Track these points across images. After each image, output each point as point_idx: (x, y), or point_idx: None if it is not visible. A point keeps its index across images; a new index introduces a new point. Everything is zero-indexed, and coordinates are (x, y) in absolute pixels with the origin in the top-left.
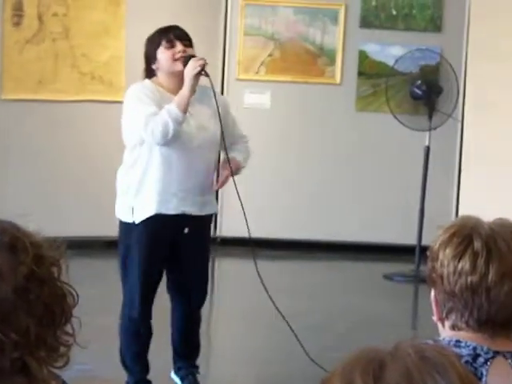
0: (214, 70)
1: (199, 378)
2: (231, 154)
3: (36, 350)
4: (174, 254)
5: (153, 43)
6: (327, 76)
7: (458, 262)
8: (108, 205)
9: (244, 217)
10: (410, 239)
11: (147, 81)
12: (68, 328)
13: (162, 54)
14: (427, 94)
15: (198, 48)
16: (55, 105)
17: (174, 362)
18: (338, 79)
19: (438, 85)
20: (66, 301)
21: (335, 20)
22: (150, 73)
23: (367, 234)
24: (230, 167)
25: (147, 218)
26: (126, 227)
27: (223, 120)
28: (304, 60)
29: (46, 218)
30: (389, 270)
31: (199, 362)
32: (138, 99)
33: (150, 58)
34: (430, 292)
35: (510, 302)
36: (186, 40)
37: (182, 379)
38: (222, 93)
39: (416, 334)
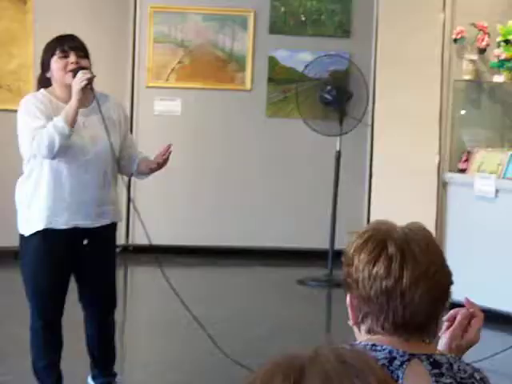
0: (123, 77)
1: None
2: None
3: None
4: (78, 265)
5: (48, 52)
6: (237, 82)
7: (373, 266)
8: (14, 215)
9: (142, 225)
10: (323, 244)
11: (42, 91)
12: None
13: (55, 64)
14: (337, 99)
15: (108, 57)
16: None
17: (92, 369)
18: (248, 85)
19: (348, 90)
20: None
21: (244, 26)
22: (46, 81)
23: (280, 240)
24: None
25: (37, 232)
26: (21, 239)
27: (123, 132)
28: (214, 66)
29: None
30: (302, 275)
31: (115, 369)
32: (27, 112)
33: (44, 67)
34: (345, 296)
35: (425, 305)
36: (81, 51)
37: None
38: (132, 100)
39: (330, 339)
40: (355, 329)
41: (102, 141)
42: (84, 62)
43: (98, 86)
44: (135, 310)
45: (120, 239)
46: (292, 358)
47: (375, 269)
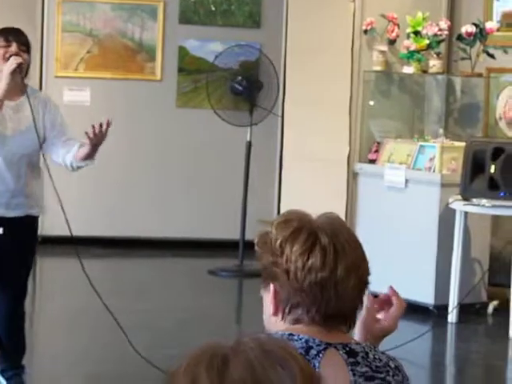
0: (32, 67)
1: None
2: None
3: None
4: None
5: None
6: (147, 72)
7: (308, 258)
8: None
9: (64, 215)
10: (234, 234)
11: None
12: None
13: None
14: (247, 89)
15: None
16: None
17: (0, 363)
18: (158, 75)
19: (258, 80)
20: None
21: (154, 16)
22: None
23: (191, 230)
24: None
25: None
26: None
27: (49, 125)
28: (123, 56)
29: None
30: (213, 266)
31: (24, 361)
32: None
33: None
34: (257, 286)
35: (353, 296)
36: (24, 45)
37: (7, 380)
38: (41, 90)
39: (241, 329)
40: (272, 319)
41: (24, 134)
42: (24, 56)
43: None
44: (45, 301)
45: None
46: (215, 348)
47: (310, 260)
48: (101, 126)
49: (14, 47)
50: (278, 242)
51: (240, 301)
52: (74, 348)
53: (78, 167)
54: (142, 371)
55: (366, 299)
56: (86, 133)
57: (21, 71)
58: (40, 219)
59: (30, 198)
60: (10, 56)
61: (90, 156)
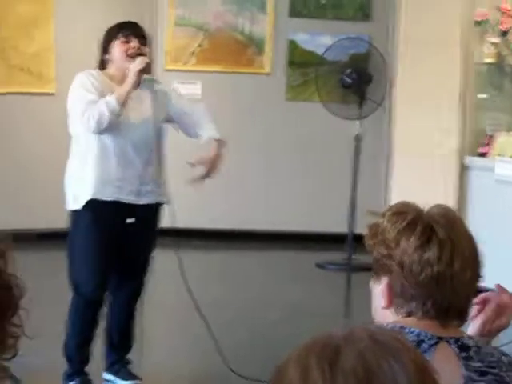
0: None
1: (132, 367)
2: (203, 132)
3: None
4: (119, 242)
5: (110, 35)
6: (257, 66)
7: (424, 251)
8: (33, 199)
9: (171, 208)
10: (342, 228)
11: (96, 70)
12: (15, 320)
13: (117, 47)
14: (357, 82)
15: None
16: None
17: (107, 358)
18: (267, 69)
19: (368, 73)
20: (13, 293)
21: (264, 9)
22: (102, 64)
23: (299, 223)
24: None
25: (87, 203)
26: (71, 216)
27: (169, 110)
28: (233, 50)
29: None
30: (321, 259)
31: (133, 351)
32: (81, 85)
33: (103, 49)
34: (364, 280)
35: (470, 289)
36: (143, 38)
37: (116, 373)
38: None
39: (349, 323)
40: (382, 311)
41: (149, 121)
42: (144, 49)
43: None
44: (153, 293)
45: None
46: (326, 339)
47: (427, 254)
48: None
49: (134, 42)
50: (393, 234)
51: (348, 295)
52: (183, 339)
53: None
54: (244, 363)
55: (485, 295)
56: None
57: (146, 70)
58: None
59: (158, 185)
60: (133, 53)
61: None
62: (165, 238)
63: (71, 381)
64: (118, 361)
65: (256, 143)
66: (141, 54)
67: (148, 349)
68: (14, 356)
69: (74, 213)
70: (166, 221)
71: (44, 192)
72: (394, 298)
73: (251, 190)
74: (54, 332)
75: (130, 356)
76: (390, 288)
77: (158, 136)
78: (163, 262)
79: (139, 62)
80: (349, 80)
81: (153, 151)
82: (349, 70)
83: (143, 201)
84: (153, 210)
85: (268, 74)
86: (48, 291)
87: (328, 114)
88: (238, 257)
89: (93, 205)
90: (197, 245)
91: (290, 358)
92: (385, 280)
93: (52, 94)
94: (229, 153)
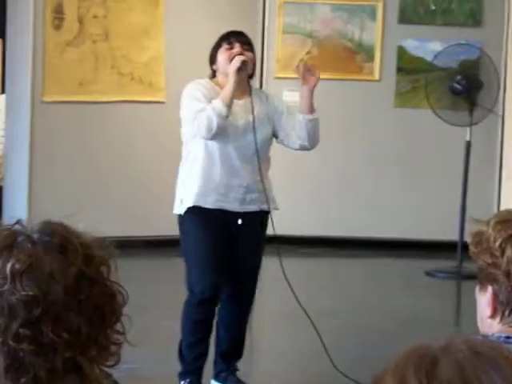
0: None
1: (241, 374)
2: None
3: (87, 349)
4: (226, 246)
5: (216, 44)
6: (366, 72)
7: None
8: (142, 205)
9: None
10: (452, 235)
11: (205, 79)
12: (118, 327)
13: (221, 55)
14: (467, 88)
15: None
16: (95, 106)
17: (215, 367)
18: (376, 75)
19: (479, 79)
20: (116, 300)
21: (373, 16)
22: (213, 74)
23: (408, 231)
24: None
25: (188, 210)
26: (178, 219)
27: (276, 114)
28: (342, 57)
29: (89, 217)
30: (431, 267)
31: (243, 358)
32: (190, 95)
33: (211, 59)
34: (475, 288)
35: None
36: (247, 44)
37: (224, 381)
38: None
39: (459, 332)
40: (488, 321)
41: (256, 129)
42: (249, 54)
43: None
44: (262, 300)
45: None
46: (424, 349)
47: None
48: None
49: (237, 47)
50: (498, 242)
51: (458, 303)
52: (291, 346)
53: (310, 132)
54: (356, 370)
55: None
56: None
57: (246, 68)
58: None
59: (263, 192)
60: (234, 55)
61: (309, 105)
62: (269, 245)
63: (183, 379)
64: (226, 369)
65: (365, 150)
66: (239, 55)
67: (257, 356)
68: (116, 363)
69: (179, 217)
70: (269, 228)
71: (152, 199)
72: (500, 307)
73: (359, 197)
74: (163, 338)
75: (239, 364)
76: (495, 297)
77: (265, 143)
78: (271, 270)
79: (236, 61)
80: (459, 87)
81: (259, 159)
82: (459, 77)
83: (247, 209)
84: (258, 216)
85: (377, 81)
86: (155, 297)
87: (437, 120)
88: (346, 265)
89: (196, 210)
90: (304, 252)
91: (387, 368)
92: (490, 289)
93: (162, 103)
94: (337, 160)
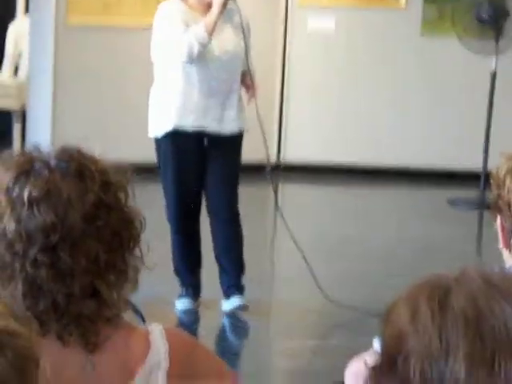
0: None
1: (259, 303)
2: None
3: (105, 274)
4: (205, 172)
5: None
6: (392, 0)
7: None
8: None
9: (264, 141)
10: (476, 165)
11: (177, 0)
12: (136, 252)
13: None
14: (494, 17)
15: None
16: (119, 31)
17: (222, 286)
18: (402, 3)
19: (506, 8)
20: (134, 225)
21: None
22: None
23: (432, 160)
24: (252, 82)
25: (166, 135)
26: (156, 143)
27: (247, 40)
28: None
29: (108, 144)
30: (453, 196)
31: (263, 285)
32: (167, 19)
33: None
34: (495, 219)
35: None
36: None
37: (228, 297)
38: (286, 19)
39: (480, 262)
40: (504, 252)
41: (230, 49)
42: None
43: (251, 5)
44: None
45: (272, 156)
46: (437, 279)
47: None
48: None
49: None
50: (502, 174)
51: (480, 233)
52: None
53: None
54: (377, 298)
55: None
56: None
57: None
58: (277, 145)
59: (239, 111)
60: None
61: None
62: (294, 173)
63: (181, 289)
64: (232, 286)
65: (389, 79)
66: None
67: (276, 285)
68: (134, 288)
69: (157, 141)
70: (306, 156)
71: None
72: (508, 236)
73: (384, 126)
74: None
75: (258, 292)
76: (503, 228)
77: (239, 61)
78: (291, 197)
79: None
80: (485, 15)
81: (236, 81)
82: (485, 5)
83: (226, 129)
84: (234, 138)
85: (403, 9)
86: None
87: (464, 49)
88: (367, 193)
89: (174, 136)
90: (326, 180)
91: (400, 298)
92: (498, 219)
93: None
94: (362, 90)
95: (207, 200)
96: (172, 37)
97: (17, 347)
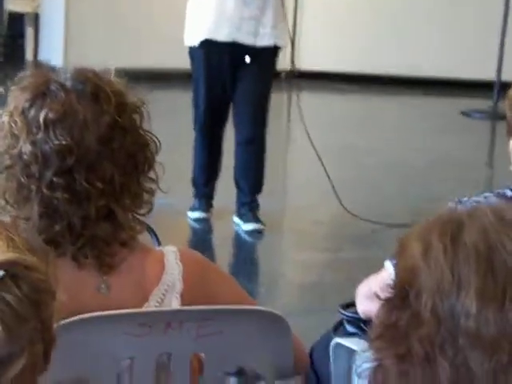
0: None
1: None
2: None
3: (121, 197)
4: (236, 83)
5: None
6: None
7: None
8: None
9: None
10: (489, 75)
11: None
12: (151, 174)
13: None
14: None
15: None
16: None
17: (236, 202)
18: None
19: None
20: (149, 148)
21: None
22: None
23: (445, 69)
24: None
25: (200, 44)
26: (189, 51)
27: None
28: None
29: (125, 51)
30: (466, 107)
31: (275, 194)
32: None
33: None
34: (507, 141)
35: None
36: None
37: (241, 216)
38: None
39: (492, 173)
40: None
41: None
42: None
43: None
44: (298, 139)
45: (285, 64)
46: (450, 214)
47: None
48: None
49: None
50: (510, 92)
51: (492, 143)
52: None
53: None
54: (385, 210)
55: None
56: None
57: None
58: (291, 53)
59: (276, 28)
60: None
61: None
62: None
63: (194, 199)
64: (245, 204)
65: None
66: None
67: (283, 191)
68: (149, 211)
69: (191, 49)
70: (319, 63)
71: None
72: None
73: (397, 34)
74: None
75: (266, 198)
76: None
77: None
78: (305, 105)
79: None
80: None
81: None
82: None
83: (261, 42)
84: (269, 52)
85: None
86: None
87: None
88: (379, 102)
89: (207, 45)
90: (338, 88)
91: (412, 232)
92: (510, 143)
93: None
94: None
95: (234, 115)
96: None
97: (32, 280)
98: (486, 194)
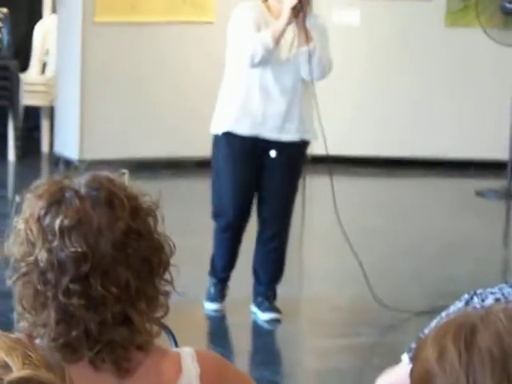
0: None
1: (287, 298)
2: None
3: (137, 301)
4: (261, 177)
5: None
6: None
7: None
8: (195, 126)
9: (322, 134)
10: (502, 154)
11: (258, 1)
12: (166, 276)
13: None
14: None
15: None
16: (146, 27)
17: (253, 291)
18: None
19: None
20: (164, 251)
21: None
22: None
23: (459, 150)
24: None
25: (222, 134)
26: (213, 139)
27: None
28: None
29: (138, 140)
30: (481, 187)
31: (291, 282)
32: (237, 20)
33: None
34: None
35: None
36: None
37: (258, 305)
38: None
39: (508, 254)
40: None
41: (295, 57)
42: None
43: None
44: (314, 221)
45: None
46: (463, 318)
47: None
48: None
49: None
50: None
51: (508, 224)
52: (341, 268)
53: (310, 64)
54: (408, 294)
55: None
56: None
57: (302, 9)
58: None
59: (303, 122)
60: None
61: (302, 38)
62: (321, 164)
63: (210, 280)
64: (262, 294)
65: (414, 70)
66: None
67: (306, 281)
68: (165, 314)
69: (215, 137)
70: (318, 148)
71: (201, 118)
72: None
73: (409, 116)
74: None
75: (287, 288)
76: None
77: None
78: (322, 190)
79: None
80: (510, 5)
81: (299, 90)
82: None
83: (286, 138)
84: (295, 147)
85: (428, 0)
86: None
87: (488, 40)
88: (395, 184)
89: (228, 137)
90: (356, 172)
91: (428, 337)
92: None
93: (211, 23)
94: (388, 80)
95: (259, 208)
96: (240, 39)
97: None
98: (501, 286)
